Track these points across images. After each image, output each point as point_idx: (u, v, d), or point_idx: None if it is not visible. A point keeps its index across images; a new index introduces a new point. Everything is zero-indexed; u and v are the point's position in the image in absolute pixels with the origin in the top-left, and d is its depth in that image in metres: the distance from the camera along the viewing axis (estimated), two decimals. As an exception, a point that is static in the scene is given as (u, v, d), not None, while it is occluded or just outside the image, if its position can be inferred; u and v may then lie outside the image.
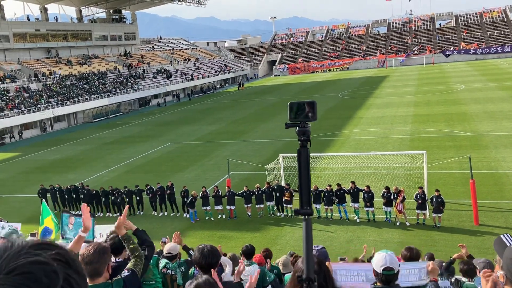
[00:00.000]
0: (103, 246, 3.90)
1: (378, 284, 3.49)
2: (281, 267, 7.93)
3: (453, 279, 6.26)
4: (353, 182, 18.83)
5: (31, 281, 0.98)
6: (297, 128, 2.10)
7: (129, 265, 4.19)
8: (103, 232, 8.11)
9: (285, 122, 2.22)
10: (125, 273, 4.05)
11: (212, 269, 4.08)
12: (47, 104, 57.07)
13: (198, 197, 20.23)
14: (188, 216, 20.77)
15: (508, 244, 3.04)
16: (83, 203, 5.71)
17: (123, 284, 3.97)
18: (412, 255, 5.42)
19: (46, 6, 79.07)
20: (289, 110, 2.13)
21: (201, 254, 4.30)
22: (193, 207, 20.25)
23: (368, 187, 18.37)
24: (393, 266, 3.45)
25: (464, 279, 6.36)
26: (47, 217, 7.14)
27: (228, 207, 20.15)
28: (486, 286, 3.43)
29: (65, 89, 64.33)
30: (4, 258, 1.01)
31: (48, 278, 1.00)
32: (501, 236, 3.17)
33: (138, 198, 21.78)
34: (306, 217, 1.98)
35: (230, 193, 20.04)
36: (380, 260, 3.47)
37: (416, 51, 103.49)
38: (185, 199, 20.76)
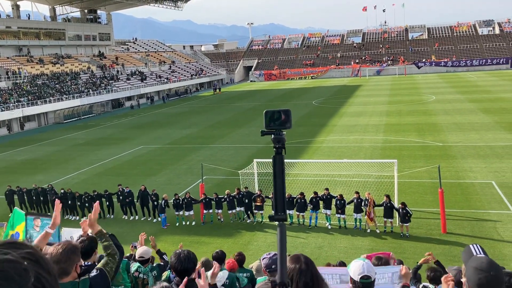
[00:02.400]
0: (72, 245, 3.83)
1: None
2: (254, 272, 7.96)
3: (420, 286, 6.39)
4: (326, 189, 19.02)
5: (1, 279, 0.95)
6: (272, 135, 2.14)
7: (100, 264, 4.12)
8: (73, 236, 7.97)
9: (261, 129, 2.26)
10: (93, 272, 3.98)
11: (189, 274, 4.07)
12: (16, 103, 55.64)
13: (170, 202, 20.05)
14: (159, 220, 20.57)
15: (474, 253, 3.16)
16: (56, 199, 5.60)
17: (89, 284, 3.90)
18: (381, 265, 5.52)
19: (18, 3, 77.36)
20: (265, 118, 2.16)
21: (177, 259, 4.29)
22: (163, 212, 20.05)
23: (341, 195, 18.58)
24: (370, 274, 3.52)
25: (431, 286, 6.50)
26: (20, 224, 6.96)
27: (206, 211, 20.07)
28: None
29: (36, 88, 62.87)
30: None
31: (19, 276, 0.98)
32: (470, 245, 3.28)
33: (108, 202, 21.41)
34: (281, 222, 2.02)
35: (207, 199, 19.97)
36: (357, 268, 3.53)
37: (389, 62, 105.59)
38: (155, 202, 20.56)
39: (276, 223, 2.20)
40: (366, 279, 3.50)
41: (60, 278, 3.69)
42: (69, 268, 3.73)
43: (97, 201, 5.06)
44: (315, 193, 18.94)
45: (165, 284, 3.35)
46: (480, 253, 3.18)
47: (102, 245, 4.27)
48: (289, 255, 2.56)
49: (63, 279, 3.73)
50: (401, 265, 4.27)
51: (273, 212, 2.29)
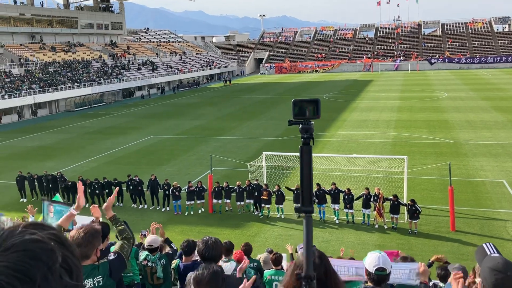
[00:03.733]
0: (94, 229, 3.87)
1: (369, 284, 3.52)
2: (262, 264, 7.97)
3: (430, 283, 6.35)
4: (334, 184, 18.96)
5: (29, 258, 0.95)
6: (300, 125, 2.09)
7: (116, 247, 4.16)
8: (84, 223, 8.02)
9: (288, 119, 2.22)
10: (111, 256, 4.03)
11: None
12: (28, 90, 56.06)
13: (184, 190, 20.23)
14: (167, 209, 20.72)
15: (488, 253, 3.11)
16: (79, 181, 5.66)
17: (108, 267, 3.95)
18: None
19: (32, -10, 77.62)
20: (293, 107, 2.12)
21: (205, 246, 4.30)
22: (177, 199, 20.21)
23: (348, 190, 18.52)
24: (385, 266, 3.49)
25: (441, 284, 6.46)
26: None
27: (215, 201, 20.22)
28: (457, 287, 3.51)
29: (48, 75, 63.26)
30: None
31: (47, 257, 0.97)
32: (483, 244, 3.23)
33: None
34: (307, 214, 1.98)
35: (219, 188, 20.08)
36: (373, 260, 3.50)
37: (401, 57, 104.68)
38: (167, 192, 20.70)
39: (299, 215, 2.16)
40: (381, 271, 3.47)
41: (81, 261, 3.74)
42: (89, 251, 3.79)
43: (117, 187, 5.09)
44: (318, 185, 18.88)
45: (214, 266, 3.37)
46: (494, 253, 3.12)
47: (117, 229, 4.29)
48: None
49: (84, 262, 3.80)
50: (419, 262, 4.23)
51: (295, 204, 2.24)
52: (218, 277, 3.31)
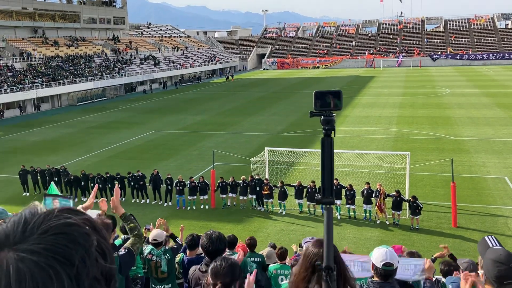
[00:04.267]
0: (104, 222, 3.91)
1: (376, 278, 3.55)
2: (266, 259, 8.01)
3: (433, 279, 6.38)
4: (336, 179, 18.99)
5: (67, 241, 0.96)
6: (322, 117, 2.09)
7: (127, 243, 4.20)
8: (92, 217, 8.06)
9: (310, 110, 2.21)
10: (121, 251, 4.06)
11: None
12: (31, 85, 56.11)
13: (187, 186, 20.29)
14: (169, 204, 20.80)
15: (490, 245, 3.15)
16: (96, 184, 5.71)
17: (118, 263, 3.98)
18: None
19: (34, -16, 77.48)
20: (315, 99, 2.12)
21: (209, 240, 4.33)
22: (181, 194, 20.27)
23: (350, 186, 18.56)
24: (393, 261, 3.51)
25: (444, 279, 6.49)
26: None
27: (222, 195, 20.27)
28: (465, 286, 3.55)
29: (50, 70, 63.29)
30: (35, 220, 0.99)
31: (84, 240, 0.99)
32: (485, 237, 3.27)
33: (119, 185, 21.59)
34: (328, 206, 1.99)
35: (224, 183, 20.14)
36: (380, 255, 3.52)
37: (404, 54, 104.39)
38: (169, 187, 20.75)
39: (320, 206, 2.19)
40: (388, 266, 3.49)
41: None
42: None
43: (117, 184, 5.13)
44: None
45: (232, 258, 3.41)
46: (496, 245, 3.16)
47: (128, 227, 4.32)
48: (312, 239, 2.54)
49: None
50: (425, 258, 4.25)
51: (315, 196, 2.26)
52: (235, 269, 3.35)
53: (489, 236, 3.27)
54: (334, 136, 2.09)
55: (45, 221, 0.99)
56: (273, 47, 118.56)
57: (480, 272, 3.00)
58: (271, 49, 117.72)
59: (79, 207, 4.25)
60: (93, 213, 7.77)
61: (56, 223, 0.99)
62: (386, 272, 3.49)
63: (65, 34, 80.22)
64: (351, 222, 18.23)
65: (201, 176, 21.05)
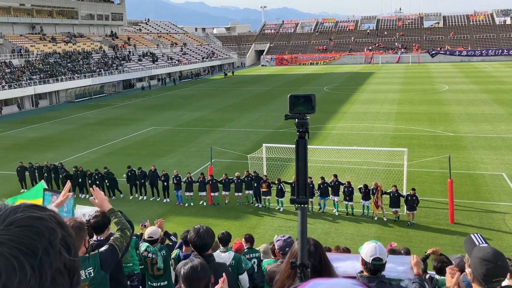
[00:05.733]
0: (79, 222, 3.94)
1: (365, 273, 3.56)
2: (262, 255, 8.03)
3: (427, 276, 6.40)
4: (335, 175, 19.00)
5: (32, 233, 0.98)
6: (296, 119, 2.15)
7: (111, 239, 4.19)
8: (86, 213, 8.07)
9: (285, 113, 2.29)
10: (102, 248, 4.05)
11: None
12: (29, 81, 55.98)
13: (182, 182, 20.25)
14: (168, 200, 20.81)
15: (477, 243, 3.15)
16: (68, 180, 5.75)
17: (99, 259, 3.97)
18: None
19: (32, -20, 77.17)
20: (289, 102, 2.19)
21: (196, 234, 4.32)
22: (178, 189, 20.27)
23: (349, 182, 18.57)
24: (382, 256, 3.54)
25: (437, 276, 6.51)
26: (37, 199, 7.02)
27: (213, 194, 20.20)
28: (451, 281, 3.56)
29: (48, 66, 63.14)
30: (1, 214, 1.02)
31: (48, 233, 1.01)
32: (471, 235, 3.27)
33: (108, 183, 21.59)
34: (302, 206, 2.07)
35: (214, 180, 20.09)
36: (370, 250, 3.54)
37: (402, 50, 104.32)
38: (165, 183, 20.73)
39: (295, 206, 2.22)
40: (378, 261, 3.51)
41: None
42: (78, 243, 3.83)
43: (94, 185, 5.19)
44: (322, 178, 18.91)
45: (200, 260, 3.40)
46: (483, 243, 3.16)
47: (113, 222, 4.33)
48: (283, 237, 2.53)
49: None
50: (412, 255, 4.25)
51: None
52: (206, 270, 3.34)
53: (475, 234, 3.27)
54: (308, 138, 2.17)
55: (11, 214, 1.02)
56: (272, 44, 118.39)
57: (468, 270, 2.99)
58: (269, 46, 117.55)
59: (51, 206, 4.29)
60: (91, 210, 7.78)
61: (22, 216, 1.01)
62: (376, 267, 3.52)
63: (63, 31, 79.99)
64: (348, 219, 18.26)
65: (201, 173, 21.01)
